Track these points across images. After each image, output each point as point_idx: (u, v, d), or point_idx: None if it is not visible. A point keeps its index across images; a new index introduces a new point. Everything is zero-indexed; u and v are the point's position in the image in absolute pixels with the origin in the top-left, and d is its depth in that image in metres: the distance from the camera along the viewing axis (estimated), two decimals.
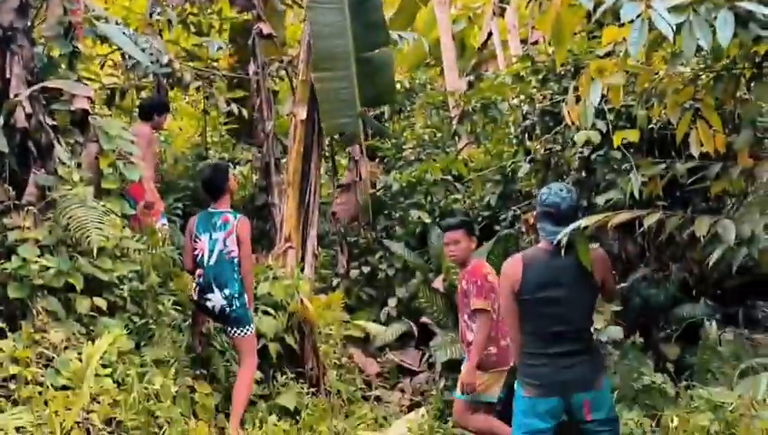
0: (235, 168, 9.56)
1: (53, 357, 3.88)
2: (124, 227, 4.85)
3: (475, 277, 4.53)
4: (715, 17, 2.54)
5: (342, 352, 6.72)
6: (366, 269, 8.36)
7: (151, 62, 6.97)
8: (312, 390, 5.53)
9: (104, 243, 4.32)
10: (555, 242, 3.19)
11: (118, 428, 3.79)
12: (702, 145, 3.22)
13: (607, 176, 5.97)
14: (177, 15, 8.13)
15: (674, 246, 6.52)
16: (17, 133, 4.39)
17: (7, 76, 4.47)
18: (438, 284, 7.21)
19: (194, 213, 7.09)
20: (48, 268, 4.12)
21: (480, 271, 4.57)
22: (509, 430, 3.70)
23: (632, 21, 2.72)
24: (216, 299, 4.72)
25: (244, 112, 8.24)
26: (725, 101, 3.43)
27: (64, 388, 3.75)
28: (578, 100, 3.34)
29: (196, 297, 4.83)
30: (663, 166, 3.47)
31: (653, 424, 4.66)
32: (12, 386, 3.67)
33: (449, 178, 8.81)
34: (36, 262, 4.07)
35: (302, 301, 5.70)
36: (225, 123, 9.31)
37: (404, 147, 9.84)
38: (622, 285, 6.03)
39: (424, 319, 7.41)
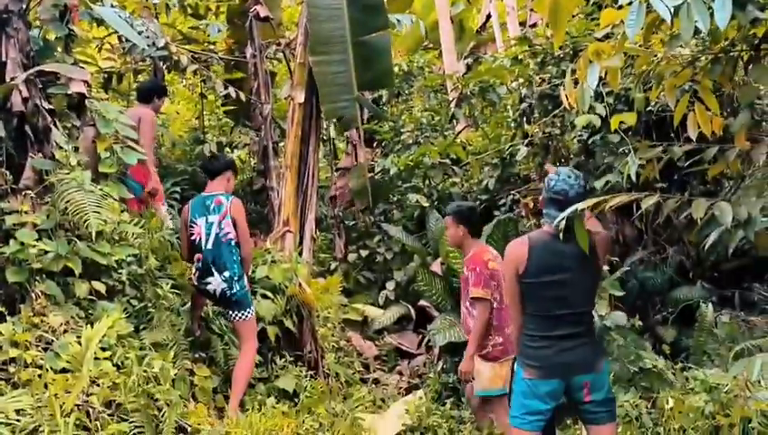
0: (233, 151, 9.58)
1: (53, 340, 3.89)
2: (122, 211, 4.85)
3: (474, 265, 4.46)
4: None
5: (341, 336, 6.76)
6: (364, 253, 8.39)
7: (148, 46, 6.93)
8: (311, 372, 5.56)
9: (102, 227, 4.31)
10: (555, 225, 3.20)
11: (117, 410, 3.80)
12: (699, 128, 3.22)
13: (605, 159, 5.98)
14: None
15: (671, 230, 6.54)
16: (14, 117, 4.36)
17: (3, 60, 4.42)
18: (436, 267, 7.23)
19: (192, 197, 7.13)
20: (46, 252, 4.11)
21: (479, 258, 4.49)
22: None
23: (630, 3, 2.71)
24: (215, 282, 4.74)
25: (242, 96, 8.19)
26: (723, 84, 3.42)
27: (64, 371, 3.76)
28: (576, 83, 3.33)
29: (195, 282, 4.85)
30: (660, 149, 3.47)
31: (648, 405, 4.70)
32: (11, 369, 3.67)
33: (447, 161, 8.81)
34: (34, 246, 4.06)
35: (300, 284, 5.73)
36: (223, 104, 9.27)
37: (402, 130, 9.82)
38: (623, 269, 6.05)
39: (422, 302, 7.45)
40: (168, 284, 4.86)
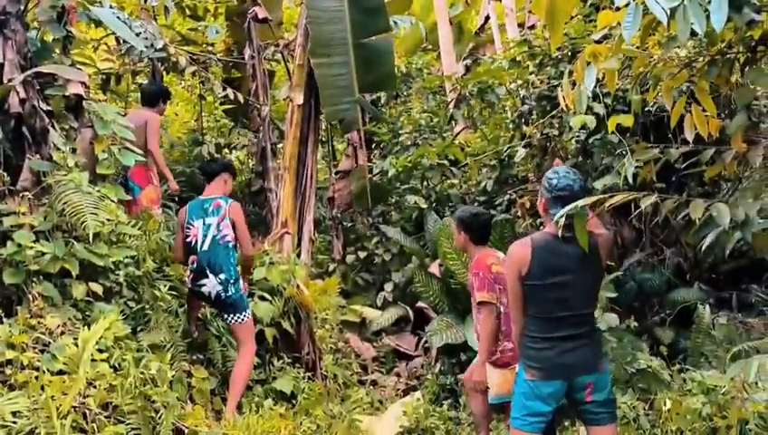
0: (231, 153, 9.58)
1: (50, 342, 3.88)
2: (120, 213, 4.85)
3: (477, 269, 4.33)
4: (709, 1, 2.54)
5: (338, 337, 6.76)
6: (362, 254, 8.39)
7: (146, 47, 6.93)
8: (309, 374, 5.56)
9: (100, 228, 4.30)
10: (554, 221, 3.19)
11: (114, 412, 3.80)
12: (696, 129, 3.22)
13: (603, 160, 5.98)
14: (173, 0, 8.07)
15: (669, 231, 6.54)
16: (11, 119, 4.36)
17: (0, 61, 4.43)
18: (434, 269, 7.23)
19: (190, 198, 7.14)
20: (43, 254, 4.11)
21: (482, 263, 4.35)
22: None
23: (627, 5, 2.71)
24: (210, 284, 4.73)
25: (240, 97, 8.19)
26: (720, 86, 3.42)
27: (60, 373, 3.76)
28: (573, 84, 3.33)
29: (190, 284, 4.84)
30: (657, 151, 3.47)
31: (646, 407, 4.70)
32: (8, 371, 3.67)
33: (445, 162, 8.80)
34: (32, 247, 4.06)
35: (298, 286, 5.73)
36: (222, 104, 9.27)
37: (400, 132, 9.82)
38: (620, 272, 6.06)
39: (420, 304, 7.45)
40: (165, 285, 4.86)
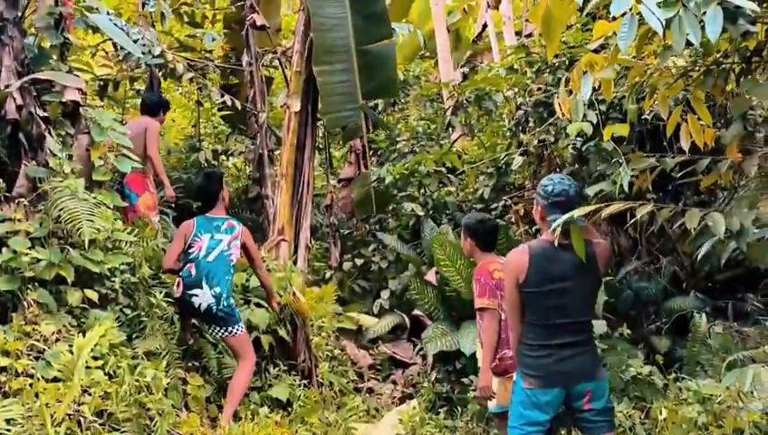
0: (228, 159, 9.57)
1: (44, 349, 3.87)
2: (116, 220, 4.84)
3: (479, 275, 4.29)
4: (705, 12, 2.55)
5: (335, 345, 6.74)
6: (359, 262, 8.38)
7: (143, 53, 6.94)
8: (305, 382, 5.54)
9: (96, 235, 4.30)
10: (552, 229, 3.19)
11: (109, 420, 3.78)
12: (692, 138, 3.23)
13: (599, 167, 5.99)
14: (170, 6, 8.08)
15: (665, 240, 6.55)
16: (8, 125, 4.37)
17: None
18: (431, 276, 7.23)
19: (187, 206, 7.13)
20: (39, 260, 4.10)
21: (485, 269, 4.31)
22: None
23: (623, 15, 2.72)
24: (203, 296, 4.69)
25: (238, 104, 8.20)
26: (716, 96, 3.44)
27: (55, 380, 3.74)
28: (570, 93, 3.34)
29: (179, 294, 4.76)
30: (653, 160, 3.48)
31: (642, 416, 4.70)
32: (2, 378, 3.65)
33: (443, 170, 8.81)
34: (27, 254, 4.05)
35: (294, 293, 5.72)
36: (219, 111, 9.28)
37: (398, 139, 9.84)
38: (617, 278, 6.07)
39: (416, 311, 7.44)
40: (161, 292, 4.85)
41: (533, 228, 6.55)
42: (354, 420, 5.38)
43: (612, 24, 2.89)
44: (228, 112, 9.02)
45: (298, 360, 5.67)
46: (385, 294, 7.95)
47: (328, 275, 8.34)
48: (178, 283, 4.77)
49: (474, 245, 4.46)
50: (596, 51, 3.58)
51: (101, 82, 8.18)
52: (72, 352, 3.84)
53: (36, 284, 4.10)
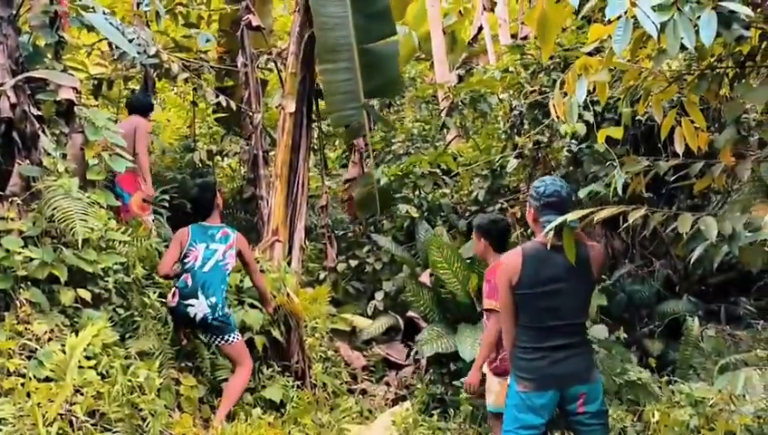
0: (223, 160, 9.55)
1: (37, 349, 3.86)
2: (109, 219, 4.83)
3: (489, 276, 4.29)
4: (699, 17, 2.56)
5: (328, 346, 6.73)
6: (353, 263, 8.37)
7: (138, 53, 6.92)
8: (298, 383, 5.53)
9: (89, 234, 4.29)
10: (545, 233, 3.20)
11: (101, 420, 3.77)
12: (686, 142, 3.24)
13: (593, 169, 6.02)
14: (165, 6, 8.07)
15: (658, 243, 6.58)
16: (1, 123, 4.35)
17: None
18: (425, 278, 7.22)
19: (181, 206, 7.11)
20: (32, 259, 4.09)
21: (495, 270, 4.18)
22: None
23: (618, 18, 2.72)
24: (199, 306, 4.69)
25: (233, 104, 8.19)
26: (709, 100, 3.45)
27: (47, 380, 3.73)
28: (565, 95, 3.35)
29: (174, 303, 4.74)
30: (647, 163, 3.49)
31: (634, 419, 4.71)
32: None
33: (437, 171, 8.82)
34: (20, 253, 4.04)
35: (288, 294, 5.71)
36: (214, 112, 9.27)
37: (393, 141, 9.83)
38: (610, 281, 6.08)
39: (410, 313, 7.43)
40: (155, 292, 4.84)
41: (528, 231, 6.56)
42: (347, 422, 5.37)
43: (607, 28, 2.89)
44: (223, 115, 9.01)
45: (291, 361, 5.66)
46: (379, 295, 7.94)
47: (322, 276, 8.33)
48: (174, 292, 4.75)
49: (487, 245, 4.46)
50: (591, 54, 3.58)
51: (96, 82, 8.17)
52: (64, 352, 3.83)
53: (29, 283, 4.09)
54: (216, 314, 4.71)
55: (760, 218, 2.75)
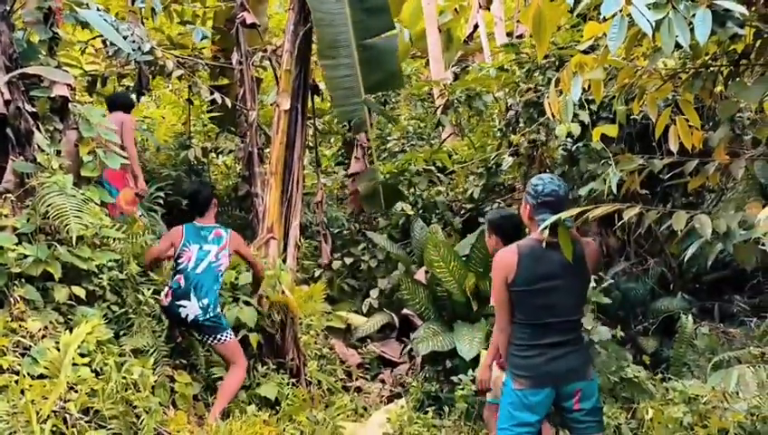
0: (218, 157, 9.53)
1: (30, 346, 3.85)
2: (104, 216, 4.81)
3: None
4: (694, 15, 2.56)
5: (323, 343, 6.73)
6: (348, 260, 8.37)
7: (133, 50, 6.90)
8: (293, 380, 5.53)
9: (83, 231, 4.28)
10: (541, 230, 3.21)
11: (95, 417, 3.77)
12: (681, 140, 3.25)
13: (588, 167, 6.03)
14: (161, 3, 8.04)
15: (653, 241, 6.60)
16: None
17: None
18: (420, 275, 7.22)
19: (176, 203, 7.10)
20: (26, 256, 4.08)
21: None
22: None
23: (613, 16, 2.73)
24: (191, 308, 4.71)
25: (228, 102, 8.17)
26: (704, 98, 3.46)
27: (41, 377, 3.72)
28: (560, 93, 3.35)
29: (166, 303, 4.77)
30: (641, 161, 3.50)
31: (628, 416, 4.72)
32: None
33: (433, 169, 8.82)
34: (14, 250, 4.03)
35: (283, 291, 5.70)
36: (209, 111, 9.24)
37: (388, 138, 9.83)
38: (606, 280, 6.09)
39: (405, 311, 7.44)
40: (149, 289, 4.83)
41: (525, 229, 6.57)
42: (342, 419, 5.37)
43: (602, 26, 2.90)
44: (218, 112, 8.99)
45: (286, 358, 5.66)
46: (374, 293, 7.94)
47: (317, 273, 8.33)
48: (167, 292, 4.78)
49: (499, 241, 4.44)
50: (586, 52, 3.59)
51: (90, 78, 8.14)
52: (58, 349, 3.82)
53: (23, 280, 4.08)
54: (208, 315, 4.74)
55: (754, 216, 2.76)
